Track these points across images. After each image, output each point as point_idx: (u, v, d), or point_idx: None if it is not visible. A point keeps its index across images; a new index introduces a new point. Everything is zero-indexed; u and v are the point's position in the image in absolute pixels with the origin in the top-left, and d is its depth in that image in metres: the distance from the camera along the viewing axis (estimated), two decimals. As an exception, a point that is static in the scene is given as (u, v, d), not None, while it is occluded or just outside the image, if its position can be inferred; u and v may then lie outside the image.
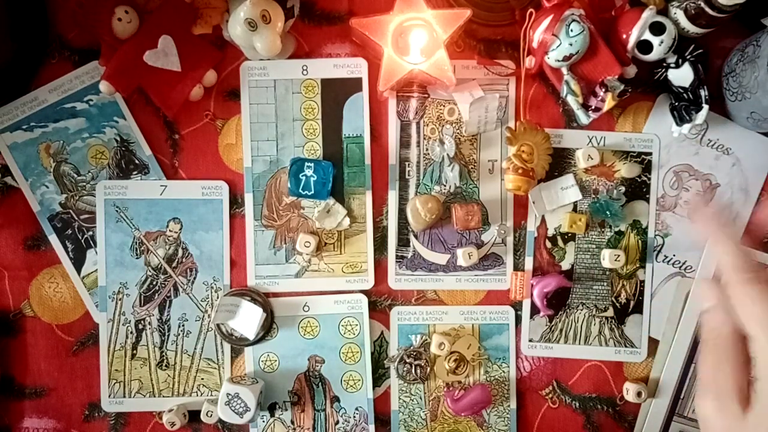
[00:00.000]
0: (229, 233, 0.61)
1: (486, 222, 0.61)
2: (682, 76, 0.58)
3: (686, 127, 0.59)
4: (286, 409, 0.61)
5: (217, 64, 0.60)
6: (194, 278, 0.61)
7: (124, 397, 0.61)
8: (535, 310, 0.61)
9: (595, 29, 0.56)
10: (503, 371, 0.62)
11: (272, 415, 0.61)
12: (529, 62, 0.58)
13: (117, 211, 0.60)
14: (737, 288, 0.40)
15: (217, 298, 0.61)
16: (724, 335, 0.41)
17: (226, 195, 0.61)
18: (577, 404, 0.62)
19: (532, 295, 0.61)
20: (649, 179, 0.62)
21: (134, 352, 0.61)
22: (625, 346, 0.62)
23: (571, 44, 0.55)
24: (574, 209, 0.62)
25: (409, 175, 0.61)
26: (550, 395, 0.62)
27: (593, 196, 0.62)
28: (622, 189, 0.61)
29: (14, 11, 0.57)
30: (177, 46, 0.58)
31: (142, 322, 0.61)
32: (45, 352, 0.61)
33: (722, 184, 0.62)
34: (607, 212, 0.61)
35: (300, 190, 0.58)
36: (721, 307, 0.41)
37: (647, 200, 0.62)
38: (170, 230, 0.61)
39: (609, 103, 0.56)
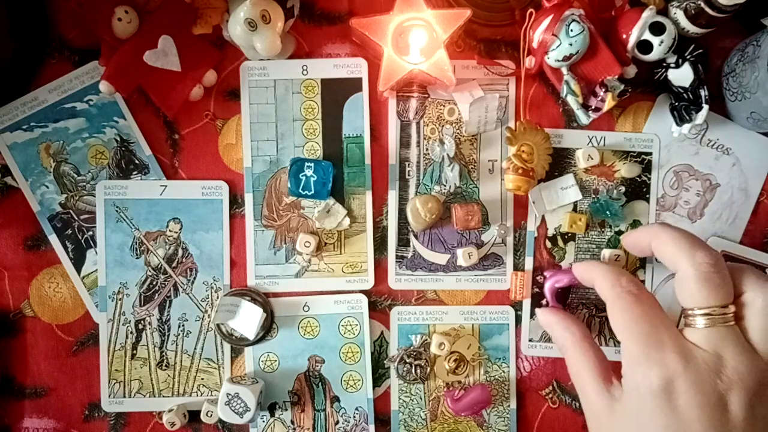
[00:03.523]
0: (229, 233, 0.61)
1: (486, 222, 0.61)
2: (682, 76, 0.58)
3: (686, 127, 0.59)
4: (286, 409, 0.61)
5: (217, 64, 0.60)
6: (194, 278, 0.61)
7: (124, 397, 0.61)
8: (537, 305, 0.61)
9: (595, 29, 0.56)
10: (503, 371, 0.62)
11: (272, 415, 0.61)
12: (529, 62, 0.58)
13: (117, 211, 0.60)
14: (611, 303, 0.46)
15: (217, 298, 0.61)
16: (579, 340, 0.50)
17: (226, 195, 0.61)
18: (577, 404, 0.62)
19: (543, 287, 0.61)
20: (649, 179, 0.62)
21: (134, 352, 0.61)
22: (625, 346, 0.62)
23: (571, 44, 0.55)
24: (574, 209, 0.62)
25: (409, 175, 0.61)
26: (550, 395, 0.62)
27: (593, 196, 0.62)
28: (622, 189, 0.62)
29: (14, 11, 0.57)
30: (177, 46, 0.58)
31: (142, 322, 0.61)
32: (45, 352, 0.61)
33: (722, 184, 0.62)
34: (607, 212, 0.61)
35: (300, 190, 0.58)
36: (556, 324, 0.52)
37: (647, 200, 0.62)
38: (170, 230, 0.61)
39: (609, 103, 0.57)
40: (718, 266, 0.44)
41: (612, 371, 0.48)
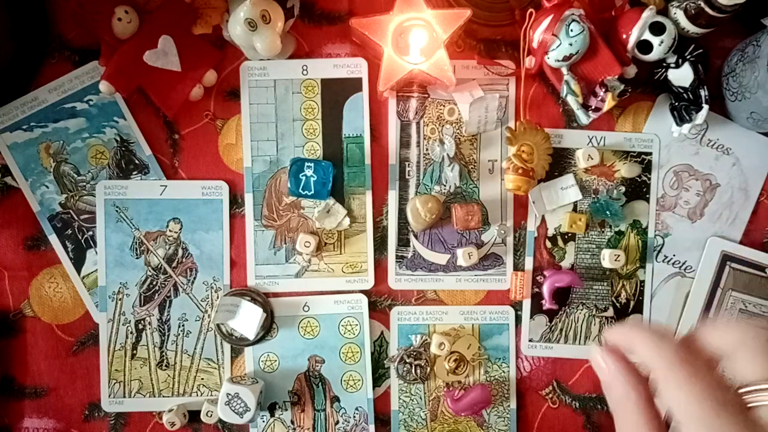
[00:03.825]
0: (229, 233, 0.61)
1: (486, 222, 0.61)
2: (682, 76, 0.58)
3: (686, 127, 0.59)
4: (286, 409, 0.61)
5: (217, 64, 0.60)
6: (194, 278, 0.61)
7: (124, 397, 0.61)
8: (536, 306, 0.61)
9: (595, 29, 0.56)
10: (503, 371, 0.62)
11: (272, 415, 0.61)
12: (529, 62, 0.58)
13: (117, 211, 0.60)
14: (661, 374, 0.37)
15: (217, 298, 0.61)
16: (643, 403, 0.39)
17: (226, 195, 0.61)
18: (577, 404, 0.62)
19: (542, 285, 0.61)
20: (649, 179, 0.62)
21: (134, 352, 0.61)
22: (625, 346, 0.62)
23: (571, 44, 0.55)
24: (574, 209, 0.62)
25: (409, 175, 0.61)
26: (550, 395, 0.62)
27: (593, 196, 0.62)
28: (622, 189, 0.61)
29: (14, 11, 0.57)
30: (177, 46, 0.58)
31: (142, 322, 0.61)
32: (45, 352, 0.61)
33: (722, 184, 0.62)
34: (607, 212, 0.61)
35: (300, 190, 0.58)
36: (619, 375, 0.40)
37: (647, 200, 0.62)
38: (170, 230, 0.61)
39: (609, 103, 0.56)
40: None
41: None
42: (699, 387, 0.35)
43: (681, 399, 0.36)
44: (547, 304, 0.61)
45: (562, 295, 0.61)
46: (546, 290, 0.60)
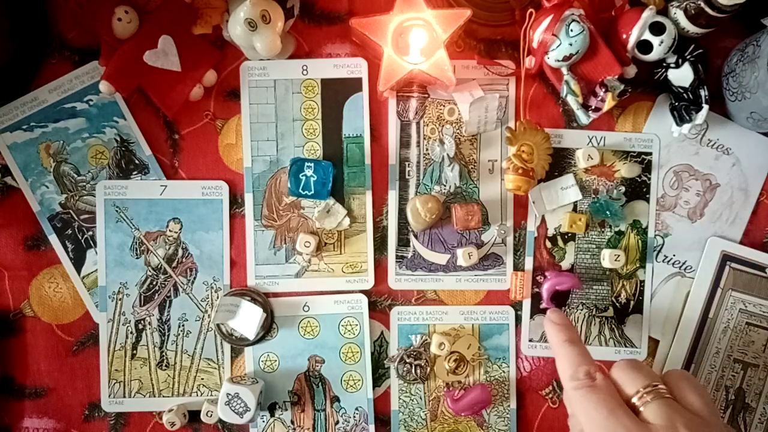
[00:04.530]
0: (229, 233, 0.61)
1: (486, 222, 0.61)
2: (682, 76, 0.58)
3: (686, 127, 0.59)
4: (286, 409, 0.61)
5: (217, 64, 0.60)
6: (194, 278, 0.61)
7: (124, 397, 0.61)
8: (536, 306, 0.61)
9: (595, 29, 0.56)
10: (503, 371, 0.62)
11: (272, 415, 0.61)
12: (529, 62, 0.58)
13: (117, 211, 0.60)
14: (569, 392, 0.49)
15: (217, 298, 0.61)
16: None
17: (226, 195, 0.61)
18: (577, 404, 0.62)
19: (541, 286, 0.61)
20: (649, 179, 0.62)
21: (134, 352, 0.61)
22: (625, 346, 0.62)
23: (571, 44, 0.55)
24: (574, 209, 0.62)
25: (409, 175, 0.61)
26: (550, 395, 0.62)
27: (593, 196, 0.62)
28: (622, 189, 0.61)
29: (14, 11, 0.57)
30: (177, 46, 0.58)
31: (142, 322, 0.61)
32: (45, 352, 0.61)
33: (722, 184, 0.62)
34: (607, 212, 0.61)
35: (300, 190, 0.58)
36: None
37: (647, 200, 0.62)
38: (170, 230, 0.61)
39: (609, 103, 0.57)
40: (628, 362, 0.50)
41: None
42: (596, 397, 0.46)
43: (583, 408, 0.47)
44: (544, 304, 0.61)
45: (561, 297, 0.61)
46: (545, 291, 0.60)
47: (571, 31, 0.54)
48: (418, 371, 0.60)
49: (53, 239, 0.60)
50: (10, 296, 0.61)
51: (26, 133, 0.60)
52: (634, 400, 0.46)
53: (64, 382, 0.61)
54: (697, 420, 0.45)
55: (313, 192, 0.58)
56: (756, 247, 0.62)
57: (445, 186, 0.61)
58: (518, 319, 0.62)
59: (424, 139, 0.61)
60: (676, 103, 0.59)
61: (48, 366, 0.61)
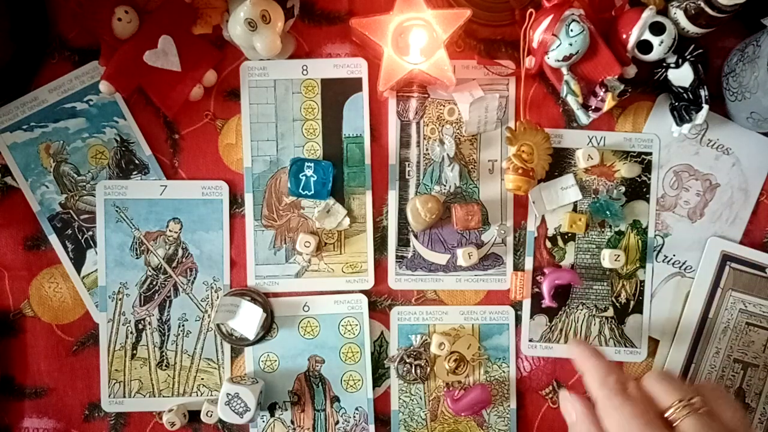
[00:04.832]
0: (229, 233, 0.61)
1: (486, 222, 0.61)
2: (682, 76, 0.58)
3: (686, 127, 0.59)
4: (286, 409, 0.61)
5: (217, 64, 0.60)
6: (194, 278, 0.61)
7: (124, 397, 0.61)
8: (536, 306, 0.61)
9: (595, 29, 0.56)
10: (503, 371, 0.62)
11: (272, 415, 0.61)
12: (529, 62, 0.58)
13: (117, 211, 0.60)
14: (601, 402, 0.47)
15: (217, 298, 0.61)
16: None
17: (226, 195, 0.61)
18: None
19: (541, 284, 0.61)
20: (649, 179, 0.62)
21: (134, 352, 0.61)
22: (625, 346, 0.62)
23: (571, 44, 0.55)
24: (574, 209, 0.62)
25: (409, 175, 0.61)
26: (550, 395, 0.62)
27: (593, 196, 0.62)
28: (622, 189, 0.62)
29: (14, 11, 0.57)
30: (177, 46, 0.58)
31: (142, 322, 0.61)
32: (45, 352, 0.61)
33: (722, 184, 0.62)
34: (607, 212, 0.61)
35: (300, 190, 0.58)
36: (583, 419, 0.48)
37: (647, 200, 0.62)
38: (170, 230, 0.61)
39: (609, 103, 0.57)
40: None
41: None
42: (629, 410, 0.45)
43: (616, 420, 0.45)
44: (546, 302, 0.61)
45: (561, 295, 0.61)
46: (546, 288, 0.60)
47: (571, 31, 0.54)
48: (418, 371, 0.60)
49: (53, 239, 0.60)
50: (10, 296, 0.61)
51: (26, 133, 0.60)
52: (670, 413, 0.45)
53: (64, 382, 0.61)
54: None
55: (313, 192, 0.58)
56: (756, 247, 0.62)
57: (445, 186, 0.61)
58: (518, 319, 0.62)
59: (424, 139, 0.61)
60: (676, 103, 0.59)
61: (48, 366, 0.61)
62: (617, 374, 0.47)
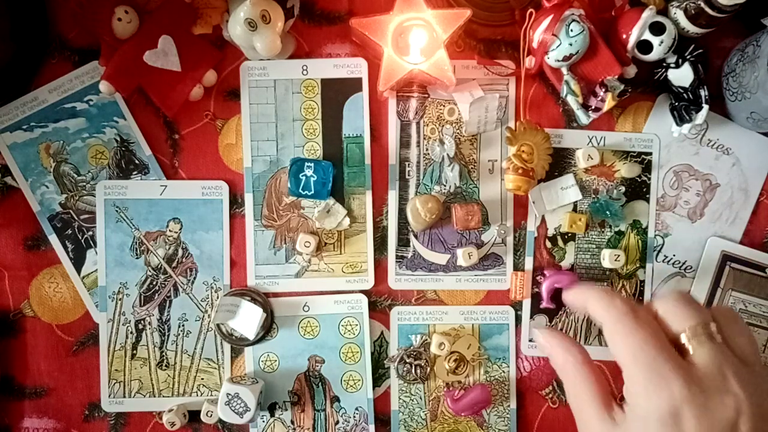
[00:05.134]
0: (229, 233, 0.61)
1: (486, 222, 0.61)
2: (682, 76, 0.58)
3: (686, 127, 0.59)
4: (286, 409, 0.61)
5: (217, 64, 0.60)
6: (194, 278, 0.61)
7: (124, 397, 0.61)
8: (536, 306, 0.61)
9: (595, 29, 0.56)
10: (503, 371, 0.62)
11: (272, 415, 0.61)
12: (529, 62, 0.58)
13: (117, 211, 0.60)
14: (610, 326, 0.44)
15: (217, 298, 0.61)
16: (579, 364, 0.47)
17: (226, 195, 0.61)
18: (577, 404, 0.62)
19: (541, 286, 0.61)
20: (649, 179, 0.62)
21: (134, 352, 0.61)
22: (625, 346, 0.62)
23: (571, 44, 0.55)
24: (574, 209, 0.62)
25: (409, 175, 0.61)
26: (550, 395, 0.62)
27: (593, 196, 0.62)
28: (622, 189, 0.62)
29: (14, 11, 0.57)
30: (177, 46, 0.58)
31: (142, 322, 0.61)
32: (45, 352, 0.61)
33: (722, 184, 0.62)
34: (607, 212, 0.61)
35: (300, 190, 0.58)
36: (557, 345, 0.48)
37: (647, 200, 0.62)
38: (170, 230, 0.61)
39: (609, 103, 0.57)
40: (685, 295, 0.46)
41: (612, 396, 0.46)
42: (641, 335, 0.42)
43: (626, 345, 0.42)
44: (544, 303, 0.61)
45: (560, 296, 0.61)
46: (545, 290, 0.60)
47: (571, 31, 0.54)
48: (418, 371, 0.60)
49: (53, 239, 0.60)
50: (10, 296, 0.61)
51: (26, 133, 0.60)
52: (683, 338, 0.43)
53: (64, 382, 0.61)
54: (746, 369, 0.42)
55: (313, 192, 0.58)
56: (756, 247, 0.62)
57: (445, 186, 0.61)
58: (518, 319, 0.62)
59: (424, 139, 0.61)
60: (676, 103, 0.59)
61: (48, 366, 0.61)
62: (622, 297, 0.45)
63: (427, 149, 0.61)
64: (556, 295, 0.61)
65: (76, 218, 0.61)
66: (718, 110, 0.61)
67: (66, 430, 0.61)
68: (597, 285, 0.48)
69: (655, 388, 0.41)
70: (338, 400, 0.61)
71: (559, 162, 0.61)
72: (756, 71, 0.54)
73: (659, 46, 0.56)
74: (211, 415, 0.59)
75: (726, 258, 0.61)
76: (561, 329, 0.62)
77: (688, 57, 0.57)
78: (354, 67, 0.61)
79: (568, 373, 0.48)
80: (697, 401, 0.41)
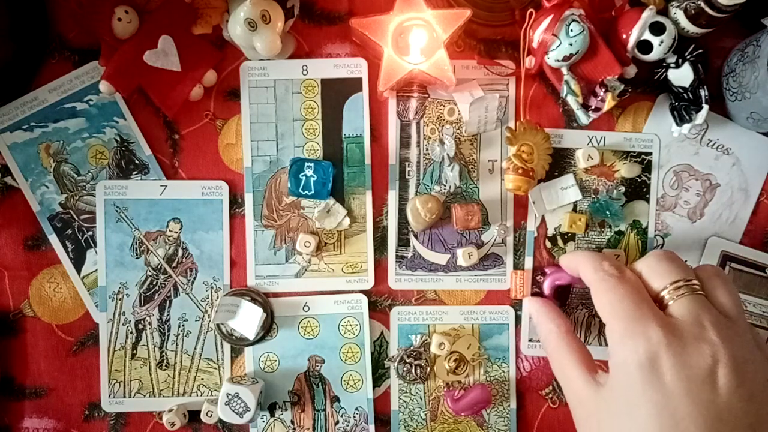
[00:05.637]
0: (229, 233, 0.61)
1: (486, 222, 0.61)
2: (682, 76, 0.58)
3: (686, 127, 0.59)
4: (286, 409, 0.61)
5: (217, 64, 0.60)
6: (194, 278, 0.61)
7: (124, 397, 0.61)
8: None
9: (595, 29, 0.56)
10: (503, 371, 0.62)
11: (272, 415, 0.61)
12: (529, 62, 0.58)
13: (117, 211, 0.60)
14: (594, 285, 0.47)
15: (217, 298, 0.61)
16: (563, 333, 0.51)
17: (226, 195, 0.61)
18: (577, 404, 0.62)
19: (541, 284, 0.61)
20: (649, 179, 0.62)
21: (134, 352, 0.61)
22: (625, 346, 0.62)
23: (571, 44, 0.55)
24: (574, 209, 0.62)
25: (409, 175, 0.61)
26: (550, 395, 0.62)
27: (593, 196, 0.62)
28: (622, 189, 0.62)
29: (14, 11, 0.57)
30: (177, 46, 0.58)
31: (142, 322, 0.61)
32: (45, 352, 0.61)
33: (722, 184, 0.62)
34: (607, 212, 0.61)
35: (300, 190, 0.58)
36: (543, 314, 0.53)
37: (647, 200, 0.62)
38: (170, 230, 0.61)
39: (609, 103, 0.57)
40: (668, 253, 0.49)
41: (596, 364, 0.49)
42: (621, 290, 0.45)
43: (608, 300, 0.45)
44: None
45: (561, 295, 0.61)
46: (547, 289, 0.60)
47: (571, 31, 0.54)
48: (418, 371, 0.60)
49: (53, 239, 0.60)
50: (10, 296, 0.61)
51: (26, 133, 0.60)
52: (664, 293, 0.45)
53: (64, 382, 0.61)
54: (725, 320, 0.43)
55: (313, 192, 0.58)
56: (756, 247, 0.62)
57: (445, 186, 0.61)
58: (518, 319, 0.62)
59: (424, 139, 0.61)
60: (676, 103, 0.59)
61: (48, 366, 0.61)
62: (612, 260, 0.47)
63: (427, 149, 0.61)
64: (557, 292, 0.61)
65: (76, 218, 0.61)
66: (718, 110, 0.61)
67: (66, 430, 0.61)
68: (586, 250, 0.53)
69: (632, 335, 0.43)
70: (338, 400, 0.61)
71: (559, 162, 0.61)
72: (756, 71, 0.54)
73: (659, 46, 0.56)
74: (211, 415, 0.59)
75: (726, 258, 0.61)
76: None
77: (688, 57, 0.57)
78: (354, 67, 0.61)
79: (551, 342, 0.51)
80: (673, 347, 0.42)
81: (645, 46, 0.56)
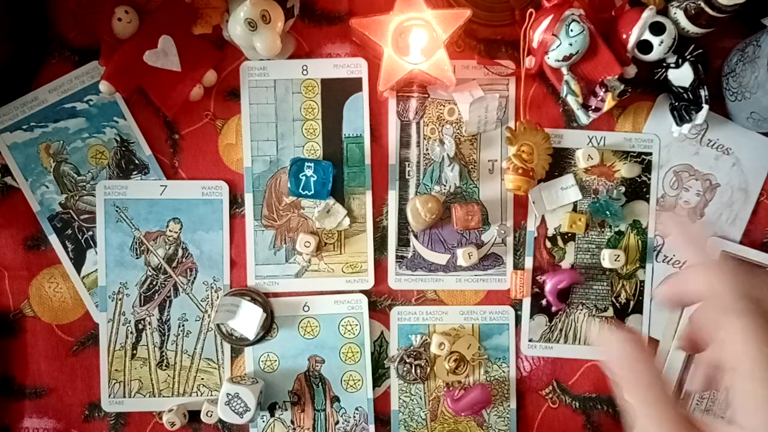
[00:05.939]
0: (229, 233, 0.61)
1: (486, 222, 0.61)
2: (682, 76, 0.58)
3: (686, 127, 0.59)
4: (286, 409, 0.61)
5: (217, 64, 0.60)
6: (194, 278, 0.61)
7: (124, 397, 0.61)
8: (536, 306, 0.61)
9: (595, 29, 0.56)
10: (503, 371, 0.62)
11: (272, 415, 0.61)
12: (529, 62, 0.58)
13: (117, 211, 0.60)
14: (732, 317, 0.34)
15: (217, 298, 0.61)
16: (649, 368, 0.36)
17: (226, 195, 0.61)
18: (577, 404, 0.62)
19: (541, 284, 0.61)
20: (649, 179, 0.62)
21: (134, 352, 0.61)
22: (625, 346, 0.62)
23: (571, 44, 0.55)
24: (574, 209, 0.62)
25: (409, 175, 0.61)
26: (550, 395, 0.62)
27: (593, 196, 0.62)
28: (622, 189, 0.61)
29: (14, 11, 0.57)
30: (177, 46, 0.58)
31: (142, 322, 0.61)
32: (45, 352, 0.61)
33: (722, 184, 0.62)
34: (607, 212, 0.61)
35: (300, 190, 0.58)
36: (624, 345, 0.36)
37: (647, 200, 0.62)
38: (170, 230, 0.61)
39: (609, 103, 0.56)
40: None
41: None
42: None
43: (756, 338, 0.31)
44: (554, 307, 0.61)
45: (562, 295, 0.61)
46: (549, 292, 0.60)
47: (571, 31, 0.54)
48: (418, 371, 0.60)
49: (53, 239, 0.60)
50: (10, 296, 0.61)
51: (26, 133, 0.60)
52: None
53: (64, 382, 0.61)
54: None
55: (313, 192, 0.58)
56: (756, 247, 0.62)
57: (445, 186, 0.61)
58: (518, 319, 0.62)
59: (424, 139, 0.61)
60: (676, 103, 0.59)
61: (48, 366, 0.61)
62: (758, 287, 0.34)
63: (427, 149, 0.61)
64: (560, 295, 0.61)
65: (76, 218, 0.61)
66: (718, 110, 0.61)
67: (66, 430, 0.61)
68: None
69: None
70: (338, 400, 0.61)
71: (559, 162, 0.61)
72: (756, 71, 0.54)
73: (659, 46, 0.56)
74: (211, 415, 0.59)
75: (726, 258, 0.61)
76: (561, 329, 0.62)
77: (688, 57, 0.57)
78: (354, 67, 0.61)
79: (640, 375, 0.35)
80: None
81: (645, 46, 0.56)
